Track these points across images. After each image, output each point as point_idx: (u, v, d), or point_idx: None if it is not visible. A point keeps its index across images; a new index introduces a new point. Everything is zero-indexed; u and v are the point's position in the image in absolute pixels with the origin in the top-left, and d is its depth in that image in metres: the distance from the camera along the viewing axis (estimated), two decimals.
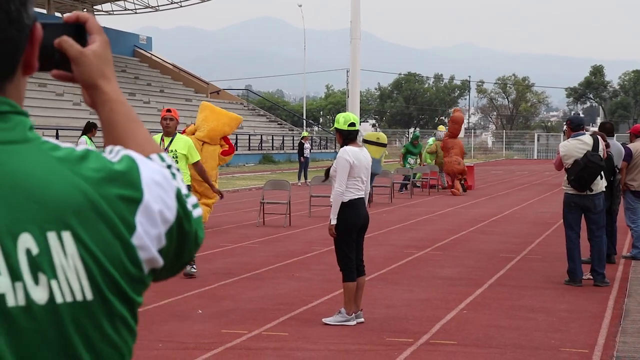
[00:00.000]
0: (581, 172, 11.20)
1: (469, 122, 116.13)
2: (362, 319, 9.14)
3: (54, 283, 1.36)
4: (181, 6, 73.24)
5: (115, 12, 75.38)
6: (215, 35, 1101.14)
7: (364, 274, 9.36)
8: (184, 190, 1.52)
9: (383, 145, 25.44)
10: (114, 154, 1.49)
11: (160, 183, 1.48)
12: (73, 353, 1.39)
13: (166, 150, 11.54)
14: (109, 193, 1.42)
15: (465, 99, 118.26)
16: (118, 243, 1.42)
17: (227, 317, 9.29)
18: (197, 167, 11.73)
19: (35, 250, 1.35)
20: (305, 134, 37.96)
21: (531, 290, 11.26)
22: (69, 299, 1.37)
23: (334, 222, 8.96)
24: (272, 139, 61.87)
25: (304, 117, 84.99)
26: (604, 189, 11.61)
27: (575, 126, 11.70)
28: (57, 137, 38.09)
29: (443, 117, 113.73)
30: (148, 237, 1.45)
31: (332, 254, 14.26)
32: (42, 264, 1.36)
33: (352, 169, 8.97)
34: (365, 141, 25.28)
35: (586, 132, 11.76)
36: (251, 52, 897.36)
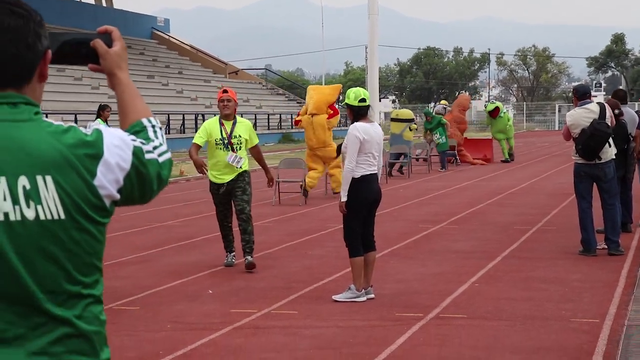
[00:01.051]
0: (588, 140, 11.07)
1: (489, 95, 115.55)
2: (373, 295, 9.10)
3: (39, 207, 2.27)
4: None
5: None
6: (235, 14, 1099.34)
7: (375, 250, 9.27)
8: (145, 146, 2.44)
9: (402, 120, 26.63)
10: (89, 129, 2.39)
11: (118, 145, 2.37)
12: (52, 252, 2.29)
13: (230, 135, 10.90)
14: (79, 153, 2.31)
15: (486, 72, 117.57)
16: (83, 183, 2.31)
17: (237, 296, 9.28)
18: (255, 149, 11.32)
19: (28, 187, 2.27)
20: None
21: (545, 261, 11.18)
22: (49, 217, 2.28)
23: (344, 198, 8.87)
24: (291, 118, 61.77)
25: None
26: (614, 157, 11.47)
27: (581, 95, 11.54)
28: (75, 120, 38.28)
29: (464, 91, 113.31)
30: (106, 180, 2.34)
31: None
32: (32, 195, 2.27)
33: (363, 145, 8.88)
34: (392, 119, 27.77)
35: (593, 100, 11.60)
36: (271, 30, 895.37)
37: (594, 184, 11.49)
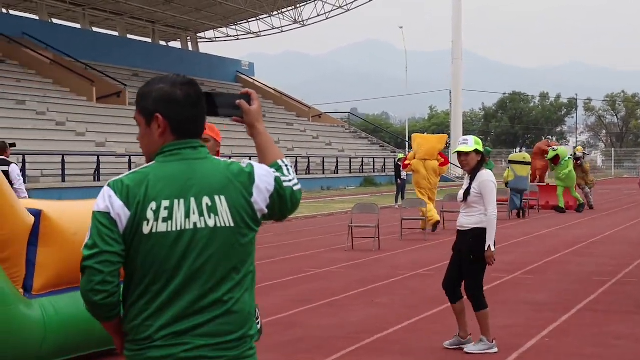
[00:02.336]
0: None
1: (576, 141, 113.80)
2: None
3: (216, 217, 3.23)
4: (282, 31, 73.75)
5: (217, 39, 76.43)
6: (322, 59, 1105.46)
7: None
8: (283, 177, 3.38)
9: (528, 163, 28.48)
10: (245, 163, 3.34)
11: (265, 174, 3.33)
12: (224, 250, 3.23)
13: None
14: (241, 179, 3.28)
15: (573, 117, 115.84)
16: (244, 201, 3.26)
17: (294, 346, 9.00)
18: None
19: (209, 204, 3.22)
20: (401, 155, 37.46)
21: (622, 315, 10.68)
22: (222, 224, 3.23)
23: (493, 248, 8.62)
24: (374, 161, 61.53)
25: (407, 138, 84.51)
26: None
27: None
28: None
29: (550, 137, 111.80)
30: (259, 198, 3.30)
31: (417, 278, 13.98)
32: (211, 210, 3.22)
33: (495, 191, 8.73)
34: (512, 162, 28.66)
35: None
36: (357, 75, 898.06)
37: None
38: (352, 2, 68.93)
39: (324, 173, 52.40)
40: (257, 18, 71.52)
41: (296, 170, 51.54)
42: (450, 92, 77.97)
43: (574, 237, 20.99)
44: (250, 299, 3.32)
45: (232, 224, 3.23)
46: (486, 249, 8.60)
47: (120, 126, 44.80)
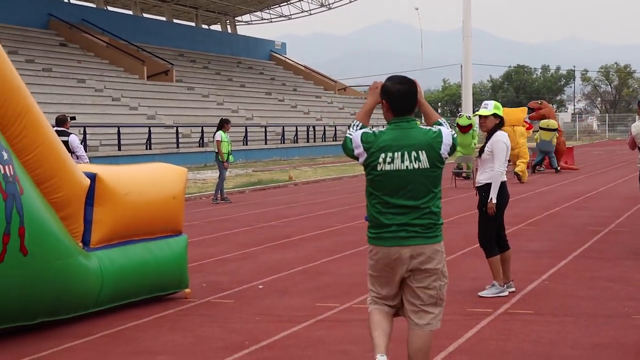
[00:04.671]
0: None
1: (574, 108, 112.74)
2: (514, 289, 8.79)
3: (419, 163, 5.00)
4: (311, 14, 73.28)
5: (253, 22, 76.06)
6: (346, 39, 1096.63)
7: (509, 248, 8.93)
8: (452, 132, 5.13)
9: (551, 129, 29.12)
10: (435, 128, 5.13)
11: (447, 134, 5.09)
12: (423, 180, 5.02)
13: None
14: (435, 140, 5.03)
15: (571, 87, 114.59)
16: (436, 153, 5.02)
17: (323, 291, 9.01)
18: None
19: (415, 155, 5.00)
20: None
21: (613, 261, 10.59)
22: (423, 167, 5.00)
23: (495, 200, 8.52)
24: None
25: None
26: None
27: None
28: (202, 132, 38.73)
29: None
30: (444, 150, 5.05)
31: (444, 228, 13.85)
32: (417, 159, 4.99)
33: (507, 152, 8.66)
34: (541, 128, 29.75)
35: None
36: (378, 52, 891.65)
37: None
38: None
39: None
40: (288, 2, 71.13)
41: (325, 138, 51.46)
42: (461, 67, 77.38)
43: (572, 193, 20.83)
44: (439, 204, 5.07)
45: (428, 166, 4.97)
46: (488, 200, 8.54)
47: (168, 100, 44.90)
